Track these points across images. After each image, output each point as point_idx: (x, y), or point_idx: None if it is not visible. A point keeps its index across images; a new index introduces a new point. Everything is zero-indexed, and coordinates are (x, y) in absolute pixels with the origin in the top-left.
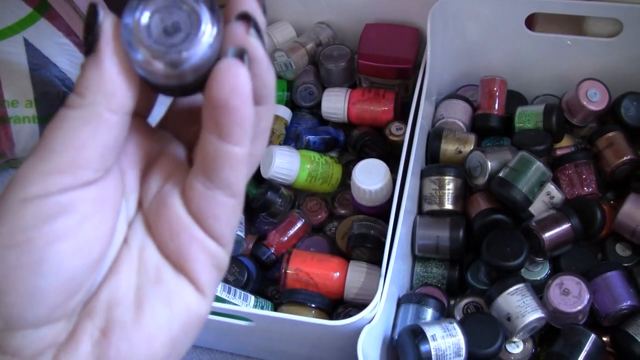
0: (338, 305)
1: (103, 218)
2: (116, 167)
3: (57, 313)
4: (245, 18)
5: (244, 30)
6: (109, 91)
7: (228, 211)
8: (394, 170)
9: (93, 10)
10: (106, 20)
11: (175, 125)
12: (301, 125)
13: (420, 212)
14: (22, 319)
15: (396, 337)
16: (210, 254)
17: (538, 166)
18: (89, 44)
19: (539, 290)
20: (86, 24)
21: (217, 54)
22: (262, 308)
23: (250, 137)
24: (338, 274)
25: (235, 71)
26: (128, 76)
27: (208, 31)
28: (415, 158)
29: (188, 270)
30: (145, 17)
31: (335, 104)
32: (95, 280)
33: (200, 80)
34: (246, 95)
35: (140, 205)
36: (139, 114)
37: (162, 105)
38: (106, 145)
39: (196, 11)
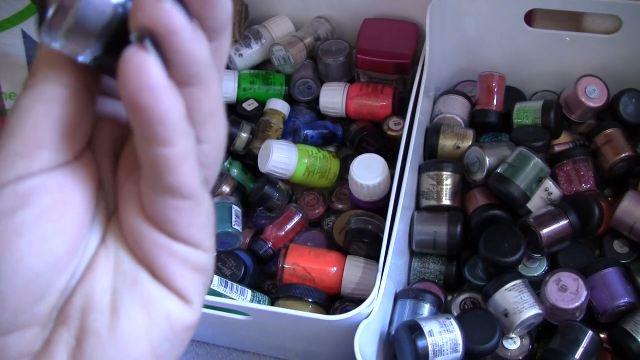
0: (335, 300)
1: (67, 211)
2: (89, 155)
3: (24, 319)
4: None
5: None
6: (55, 64)
7: (186, 214)
8: (392, 166)
9: None
10: None
11: None
12: (299, 120)
13: (418, 207)
14: None
15: (393, 332)
16: (182, 259)
17: (536, 162)
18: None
19: (536, 286)
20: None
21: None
22: (259, 303)
23: (184, 132)
24: (335, 269)
25: (137, 63)
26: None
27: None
28: (413, 153)
29: (163, 277)
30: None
31: (333, 98)
32: (70, 283)
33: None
34: (158, 88)
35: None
36: (109, 94)
37: None
38: (63, 122)
39: None
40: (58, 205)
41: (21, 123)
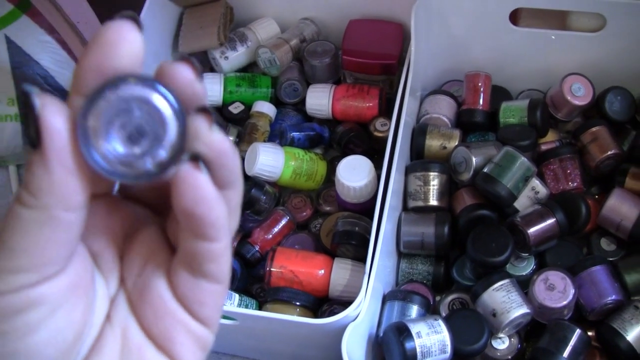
0: (323, 302)
1: (75, 303)
2: (81, 250)
3: None
4: (205, 112)
5: (207, 127)
6: (60, 194)
7: (215, 297)
8: (378, 167)
9: (26, 98)
10: (46, 110)
11: (146, 194)
12: (285, 122)
13: (405, 208)
14: None
15: (381, 334)
16: (195, 337)
17: (523, 161)
18: (30, 138)
19: (524, 285)
20: (23, 113)
21: (185, 145)
22: (246, 306)
23: (227, 229)
24: (323, 271)
25: (194, 181)
26: (81, 175)
27: (173, 131)
28: (399, 154)
29: (172, 352)
30: (104, 119)
31: (319, 100)
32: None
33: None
34: (211, 200)
35: (122, 282)
36: (103, 194)
37: None
38: (65, 242)
39: (157, 109)
40: (67, 300)
41: (26, 244)
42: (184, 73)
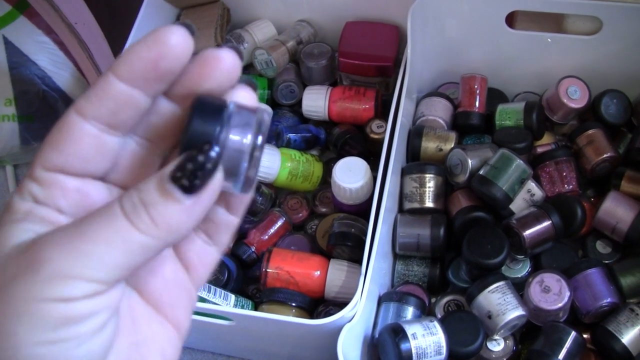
0: (319, 304)
1: (116, 315)
2: None
3: None
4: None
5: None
6: (182, 234)
7: (214, 260)
8: (374, 168)
9: (213, 153)
10: (220, 169)
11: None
12: (282, 124)
13: (401, 210)
14: None
15: (377, 335)
16: (192, 299)
17: (518, 164)
18: (193, 185)
19: (520, 287)
20: (197, 160)
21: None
22: (242, 307)
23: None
24: (319, 272)
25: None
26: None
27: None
28: (395, 156)
29: (176, 318)
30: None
31: (316, 102)
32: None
33: None
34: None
35: None
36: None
37: None
38: (144, 264)
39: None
40: (115, 311)
41: (116, 260)
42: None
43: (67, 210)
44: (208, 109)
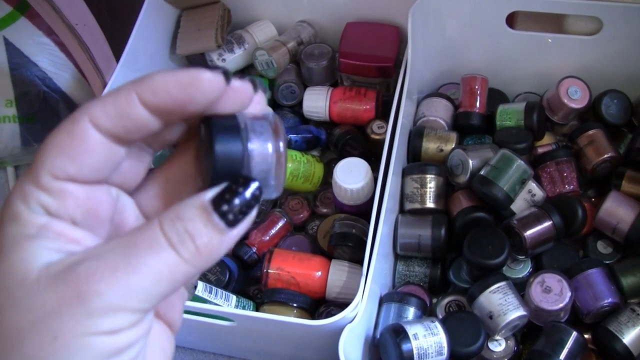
0: (320, 304)
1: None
2: None
3: None
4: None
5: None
6: (214, 260)
7: None
8: (375, 169)
9: (256, 189)
10: (256, 205)
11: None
12: (283, 125)
13: (401, 210)
14: None
15: (378, 336)
16: (184, 299)
17: (519, 164)
18: (237, 220)
19: (521, 288)
20: (243, 196)
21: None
22: (243, 308)
23: None
24: (320, 273)
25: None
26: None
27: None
28: (396, 156)
29: (171, 319)
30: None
31: (316, 102)
32: None
33: None
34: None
35: None
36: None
37: None
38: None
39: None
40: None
41: (158, 291)
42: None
43: (80, 221)
44: (224, 131)
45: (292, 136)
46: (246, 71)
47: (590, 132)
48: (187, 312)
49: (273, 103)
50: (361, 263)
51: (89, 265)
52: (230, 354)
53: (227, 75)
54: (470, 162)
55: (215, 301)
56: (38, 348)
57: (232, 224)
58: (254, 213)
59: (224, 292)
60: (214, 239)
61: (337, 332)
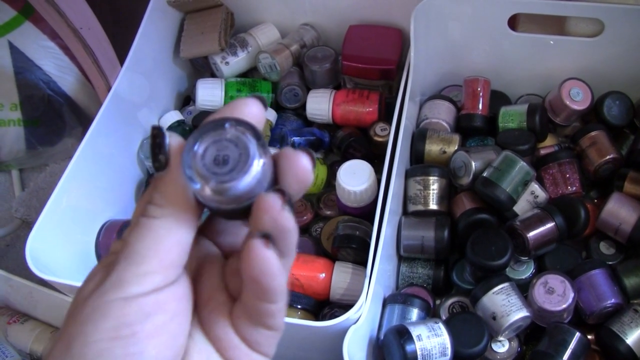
0: (324, 306)
1: (185, 314)
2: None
3: None
4: (281, 192)
5: (279, 206)
6: (186, 200)
7: (271, 340)
8: (378, 171)
9: (159, 132)
10: (173, 141)
11: (212, 232)
12: (286, 127)
13: (405, 212)
14: None
15: (382, 337)
16: None
17: (522, 166)
18: (160, 162)
19: (524, 289)
20: (155, 143)
21: (263, 185)
22: None
23: (285, 293)
24: (324, 274)
25: (263, 256)
26: None
27: (254, 169)
28: (399, 158)
29: None
30: (202, 147)
31: (319, 105)
32: None
33: (243, 209)
34: (275, 272)
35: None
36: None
37: None
38: (185, 244)
39: (247, 148)
40: (181, 309)
41: (156, 249)
42: (303, 161)
43: None
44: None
45: (296, 139)
46: (249, 74)
47: (593, 133)
48: None
49: (276, 106)
50: (365, 265)
51: None
52: None
53: (263, 100)
54: (473, 163)
55: None
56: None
57: (160, 167)
58: (176, 147)
59: None
60: (160, 183)
61: (341, 333)
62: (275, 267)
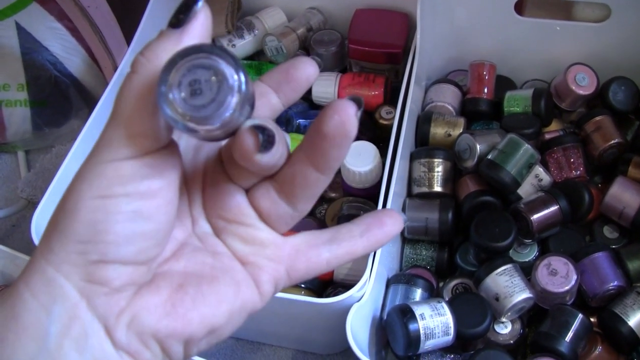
0: (327, 286)
1: (176, 185)
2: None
3: (142, 257)
4: (359, 102)
5: (355, 109)
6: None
7: (291, 220)
8: (384, 154)
9: None
10: (204, 9)
11: None
12: (292, 109)
13: (409, 194)
14: (116, 255)
15: (385, 317)
16: (275, 276)
17: (526, 148)
18: (179, 20)
19: (527, 272)
20: (186, 2)
21: (246, 113)
22: None
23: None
24: None
25: (350, 112)
26: None
27: (234, 100)
28: (404, 141)
29: (256, 276)
30: (177, 76)
31: (325, 88)
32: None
33: (227, 134)
34: (353, 134)
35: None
36: None
37: None
38: None
39: (224, 75)
40: (176, 177)
41: (143, 109)
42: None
43: None
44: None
45: (301, 121)
46: (256, 57)
47: (598, 118)
48: None
49: None
50: None
51: None
52: (237, 336)
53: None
54: (478, 146)
55: None
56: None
57: (176, 24)
58: (197, 16)
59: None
60: (164, 39)
61: (344, 311)
62: (355, 129)
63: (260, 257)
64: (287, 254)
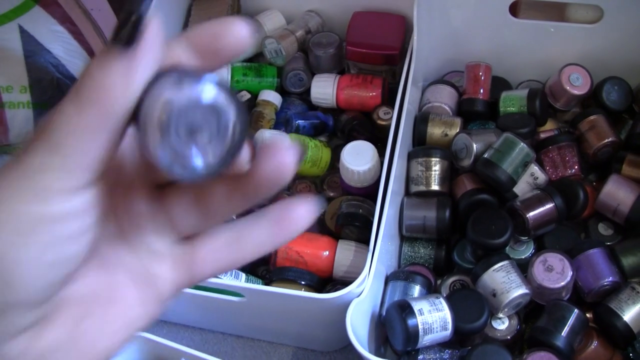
0: (327, 283)
1: (94, 225)
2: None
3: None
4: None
5: (293, 159)
6: (128, 92)
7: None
8: (382, 154)
9: (140, 6)
10: (155, 18)
11: None
12: (291, 111)
13: (407, 193)
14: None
15: (384, 313)
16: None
17: (522, 147)
18: (128, 36)
19: (523, 269)
20: (127, 13)
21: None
22: None
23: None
24: (327, 252)
25: (286, 156)
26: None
27: (231, 142)
28: (402, 141)
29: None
30: (167, 114)
31: (324, 89)
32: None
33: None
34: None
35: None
36: None
37: None
38: (107, 145)
39: (223, 116)
40: (93, 221)
41: (75, 140)
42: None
43: None
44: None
45: (300, 122)
46: (255, 59)
47: (592, 117)
48: (197, 287)
49: (281, 90)
50: (368, 243)
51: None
52: (238, 333)
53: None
54: (474, 145)
55: (224, 280)
56: None
57: (127, 42)
58: (154, 28)
59: (233, 270)
60: (116, 64)
61: (344, 306)
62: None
63: (160, 264)
64: (191, 258)
